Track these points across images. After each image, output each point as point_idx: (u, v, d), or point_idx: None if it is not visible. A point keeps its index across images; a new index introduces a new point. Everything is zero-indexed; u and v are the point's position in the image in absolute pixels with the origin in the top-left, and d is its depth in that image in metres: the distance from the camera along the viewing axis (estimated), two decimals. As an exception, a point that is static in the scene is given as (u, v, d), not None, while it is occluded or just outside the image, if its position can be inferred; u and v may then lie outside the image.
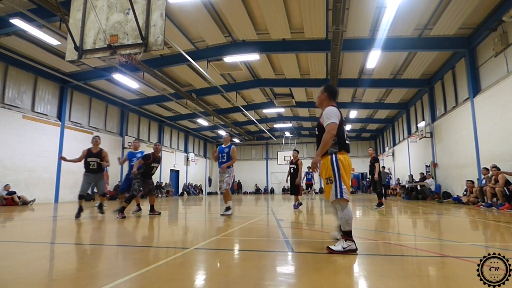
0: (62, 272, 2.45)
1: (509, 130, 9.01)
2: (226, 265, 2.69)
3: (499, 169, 8.86)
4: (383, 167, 17.30)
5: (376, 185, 9.22)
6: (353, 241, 2.96)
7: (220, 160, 6.99)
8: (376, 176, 8.99)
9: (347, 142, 3.18)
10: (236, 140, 30.65)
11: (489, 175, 9.30)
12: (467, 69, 11.23)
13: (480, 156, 10.62)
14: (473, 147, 10.95)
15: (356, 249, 2.94)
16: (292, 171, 9.38)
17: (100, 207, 7.01)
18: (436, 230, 4.86)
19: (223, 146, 7.16)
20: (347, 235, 2.96)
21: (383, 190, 14.27)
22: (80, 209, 6.44)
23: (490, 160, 9.65)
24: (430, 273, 2.42)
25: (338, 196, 2.99)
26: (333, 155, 3.09)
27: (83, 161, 6.78)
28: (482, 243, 3.66)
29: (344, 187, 3.00)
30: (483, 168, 9.86)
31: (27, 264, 2.66)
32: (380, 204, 9.03)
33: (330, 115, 3.10)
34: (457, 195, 11.69)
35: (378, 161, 9.24)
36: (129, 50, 4.08)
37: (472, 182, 10.51)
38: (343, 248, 2.92)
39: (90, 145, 6.91)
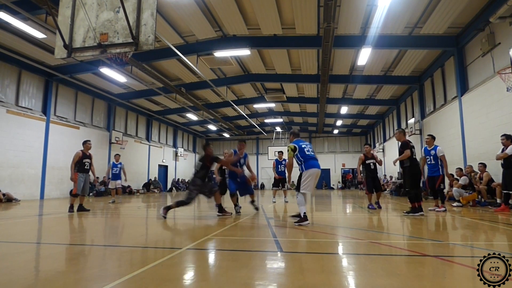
0: (60, 274, 2.49)
1: (494, 129, 9.21)
2: (216, 265, 2.85)
3: (485, 166, 9.03)
4: None
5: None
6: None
7: None
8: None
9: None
10: (226, 135, 30.50)
11: (473, 173, 9.51)
12: (455, 67, 11.40)
13: (466, 154, 10.85)
14: (460, 145, 11.18)
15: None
16: (372, 167, 8.55)
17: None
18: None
19: None
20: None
21: None
22: None
23: (476, 158, 9.89)
24: (409, 272, 2.53)
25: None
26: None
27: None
28: (446, 241, 3.75)
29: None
30: (468, 165, 10.08)
31: (24, 265, 2.72)
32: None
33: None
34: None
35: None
36: (119, 49, 3.96)
37: (452, 175, 10.54)
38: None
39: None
